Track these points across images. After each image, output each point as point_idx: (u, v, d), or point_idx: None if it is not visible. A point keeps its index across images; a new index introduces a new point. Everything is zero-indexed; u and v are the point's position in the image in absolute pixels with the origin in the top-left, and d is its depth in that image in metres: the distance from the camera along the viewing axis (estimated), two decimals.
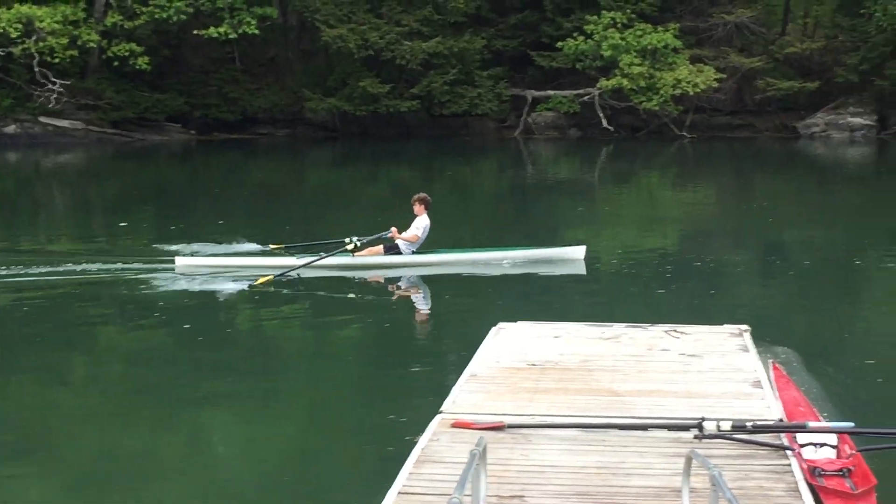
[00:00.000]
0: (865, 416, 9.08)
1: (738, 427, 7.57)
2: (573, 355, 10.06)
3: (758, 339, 10.75)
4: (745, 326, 10.92)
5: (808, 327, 13.69)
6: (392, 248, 18.11)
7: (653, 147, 46.90)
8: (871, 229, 22.65)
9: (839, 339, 13.12)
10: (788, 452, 7.40)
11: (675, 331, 10.85)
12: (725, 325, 11.04)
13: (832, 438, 7.55)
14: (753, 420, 7.79)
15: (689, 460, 6.22)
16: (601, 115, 49.41)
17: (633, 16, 49.65)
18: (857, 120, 49.98)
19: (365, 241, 17.97)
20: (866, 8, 48.44)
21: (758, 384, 9.04)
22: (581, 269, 17.64)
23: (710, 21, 51.08)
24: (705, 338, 10.62)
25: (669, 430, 7.80)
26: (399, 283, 17.23)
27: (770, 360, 10.00)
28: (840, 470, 7.19)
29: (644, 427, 7.90)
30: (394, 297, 16.59)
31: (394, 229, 18.02)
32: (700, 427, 7.58)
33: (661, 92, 47.90)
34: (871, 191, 32.25)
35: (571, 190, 32.93)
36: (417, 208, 18.15)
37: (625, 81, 48.15)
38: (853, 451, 7.56)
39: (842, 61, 49.94)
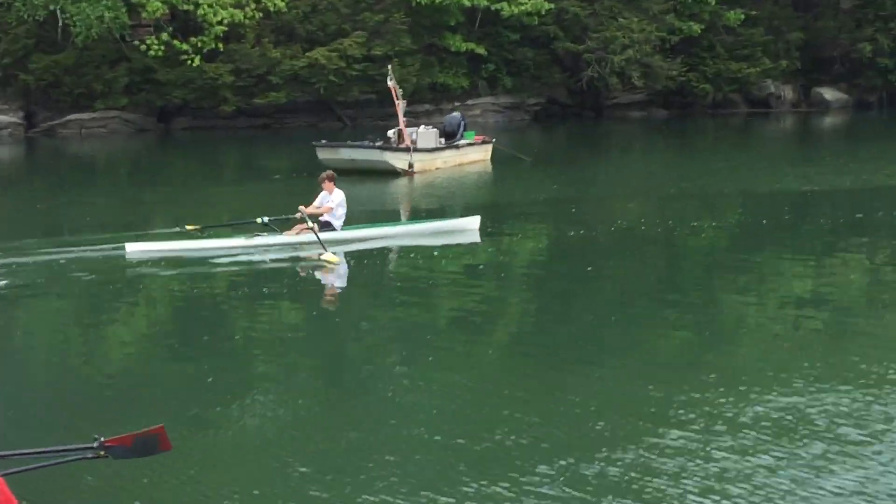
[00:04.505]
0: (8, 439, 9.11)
1: None
2: None
3: None
4: None
5: None
6: (326, 225, 20.47)
7: None
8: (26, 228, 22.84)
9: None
10: None
11: None
12: None
13: None
14: None
15: None
16: None
17: None
18: (4, 118, 49.96)
19: (272, 220, 20.19)
20: None
21: None
22: None
23: None
24: None
25: None
26: None
27: None
28: None
29: None
30: None
31: (301, 207, 20.14)
32: None
33: None
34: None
35: None
36: (327, 185, 20.82)
37: None
38: None
39: None
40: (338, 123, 53.91)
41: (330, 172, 21.55)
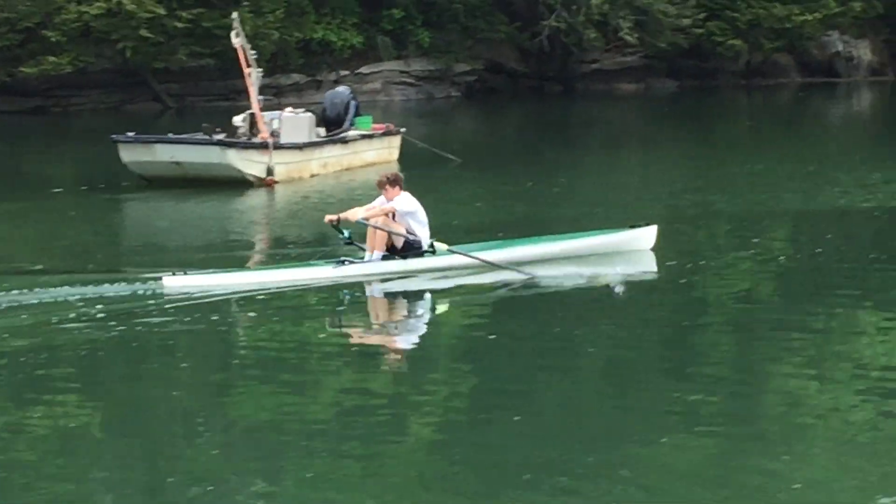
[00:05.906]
0: None
1: None
2: None
3: None
4: None
5: None
6: (408, 248, 21.55)
7: None
8: None
9: None
10: None
11: None
12: None
13: None
14: None
15: None
16: None
17: None
18: None
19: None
20: None
21: None
22: None
23: None
24: None
25: None
26: None
27: None
28: None
29: None
30: None
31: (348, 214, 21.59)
32: None
33: None
34: None
35: None
36: (389, 191, 21.44)
37: None
38: None
39: None
40: (154, 105, 53.85)
41: (393, 173, 22.52)
